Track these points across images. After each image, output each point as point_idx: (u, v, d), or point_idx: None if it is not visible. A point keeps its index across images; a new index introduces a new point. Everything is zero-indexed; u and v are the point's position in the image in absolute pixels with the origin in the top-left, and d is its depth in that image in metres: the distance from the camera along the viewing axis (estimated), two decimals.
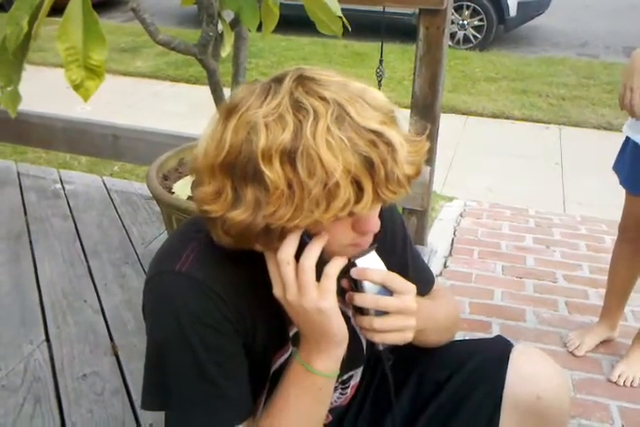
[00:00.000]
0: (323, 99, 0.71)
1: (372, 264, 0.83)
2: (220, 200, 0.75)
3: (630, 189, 1.71)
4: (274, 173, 0.69)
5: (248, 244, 0.78)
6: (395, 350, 0.94)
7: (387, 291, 0.82)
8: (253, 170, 0.71)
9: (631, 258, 1.83)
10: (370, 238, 0.83)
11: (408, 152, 0.74)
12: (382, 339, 0.83)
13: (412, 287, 0.84)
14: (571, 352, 1.90)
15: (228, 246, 0.80)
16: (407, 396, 1.07)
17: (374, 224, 0.79)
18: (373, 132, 0.70)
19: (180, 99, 5.00)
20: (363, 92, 0.74)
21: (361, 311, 0.83)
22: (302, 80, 0.73)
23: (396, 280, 0.83)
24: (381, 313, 0.82)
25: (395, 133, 0.72)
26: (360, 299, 0.81)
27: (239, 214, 0.73)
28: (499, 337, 1.10)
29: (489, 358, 1.03)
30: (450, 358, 1.07)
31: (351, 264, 0.82)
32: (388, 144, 0.71)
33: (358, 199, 0.71)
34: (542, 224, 2.81)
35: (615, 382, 1.77)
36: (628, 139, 1.67)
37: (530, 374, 0.99)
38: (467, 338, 1.94)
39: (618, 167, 1.74)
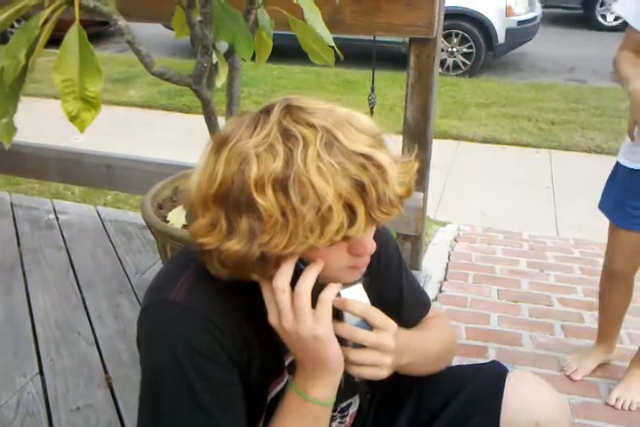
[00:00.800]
0: (311, 126, 0.72)
1: (355, 296, 0.83)
2: (215, 232, 0.75)
3: (616, 221, 1.71)
4: (267, 201, 0.70)
5: (244, 274, 0.78)
6: (391, 375, 0.94)
7: (367, 325, 0.83)
8: (247, 200, 0.72)
9: (622, 291, 1.82)
10: (367, 260, 0.83)
11: (398, 173, 0.75)
12: (357, 372, 0.83)
13: (393, 325, 0.84)
14: (568, 376, 1.89)
15: (224, 278, 0.80)
16: (404, 422, 1.06)
17: (370, 246, 0.80)
18: (363, 155, 0.72)
19: (173, 128, 5.03)
20: (349, 116, 0.76)
21: (341, 341, 0.82)
22: (290, 109, 0.75)
23: (376, 316, 0.83)
24: (359, 346, 0.82)
25: (384, 155, 0.73)
26: (339, 328, 0.81)
27: (234, 245, 0.74)
28: (494, 362, 1.09)
29: (484, 385, 1.02)
30: (446, 384, 1.06)
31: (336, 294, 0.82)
32: (378, 166, 0.72)
33: (352, 223, 0.72)
34: (536, 248, 2.82)
35: (613, 406, 1.76)
36: (616, 170, 1.70)
37: (527, 401, 0.98)
38: (462, 364, 1.93)
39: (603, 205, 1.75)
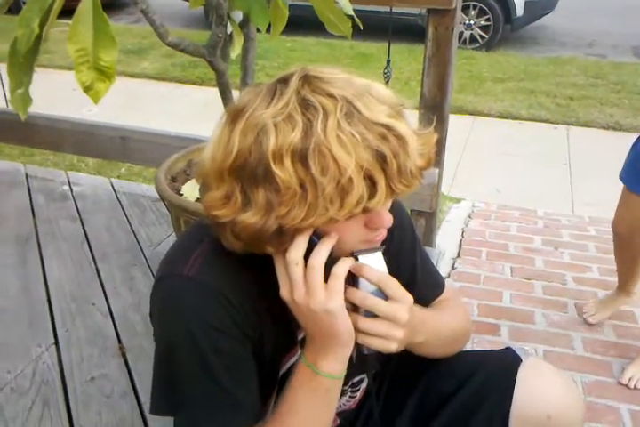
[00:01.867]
0: (330, 96, 0.70)
1: (373, 263, 0.82)
2: (230, 204, 0.74)
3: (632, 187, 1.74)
4: (285, 173, 0.69)
5: (260, 247, 0.77)
6: (402, 355, 0.93)
7: (382, 295, 0.81)
8: (264, 171, 0.70)
9: (633, 247, 1.89)
10: (383, 234, 0.82)
11: (418, 144, 0.74)
12: (365, 341, 0.82)
13: (409, 298, 0.82)
14: (585, 319, 2.01)
15: (238, 251, 0.79)
16: (413, 404, 1.06)
17: (387, 219, 0.79)
18: (383, 125, 0.70)
19: (187, 100, 5.00)
20: (368, 86, 0.74)
21: (353, 308, 0.81)
22: (308, 79, 0.73)
23: (392, 285, 0.81)
24: (371, 315, 0.81)
25: (404, 126, 0.72)
26: (350, 293, 0.80)
27: (250, 217, 0.72)
28: (508, 350, 1.08)
29: (497, 373, 1.01)
30: (457, 369, 1.05)
31: (354, 258, 0.81)
32: (399, 137, 0.71)
33: (372, 194, 0.71)
34: (551, 225, 2.79)
35: (626, 385, 1.76)
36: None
37: (540, 393, 0.97)
38: (475, 342, 1.93)
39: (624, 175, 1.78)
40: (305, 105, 0.70)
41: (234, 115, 0.75)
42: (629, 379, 1.76)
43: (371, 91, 0.73)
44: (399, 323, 0.81)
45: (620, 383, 1.77)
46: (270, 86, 0.75)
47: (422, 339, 0.90)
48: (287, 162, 0.69)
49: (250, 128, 0.72)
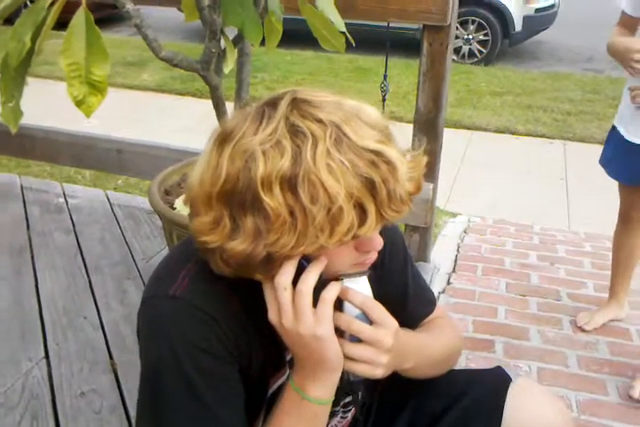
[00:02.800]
0: (319, 121, 0.70)
1: (358, 287, 0.81)
2: (218, 230, 0.73)
3: (628, 181, 1.85)
4: (274, 200, 0.68)
5: (248, 273, 0.77)
6: (392, 376, 0.92)
7: (367, 320, 0.80)
8: (252, 198, 0.70)
9: (633, 239, 1.97)
10: (373, 256, 0.81)
11: (407, 168, 0.73)
12: (350, 367, 0.81)
13: (394, 323, 0.82)
14: (580, 327, 2.04)
15: (227, 275, 0.78)
16: (402, 424, 1.05)
17: (377, 243, 0.78)
18: (372, 151, 0.70)
19: (186, 112, 5.01)
20: (358, 110, 0.74)
21: (338, 333, 0.80)
22: (297, 103, 0.72)
23: (376, 310, 0.80)
24: (356, 340, 0.80)
25: (393, 151, 0.71)
26: (336, 318, 0.79)
27: (238, 244, 0.72)
28: (498, 369, 1.06)
29: (486, 393, 1.00)
30: (446, 388, 1.04)
31: (340, 281, 0.80)
32: (388, 163, 0.70)
33: (362, 222, 0.70)
34: (547, 241, 2.79)
35: (638, 400, 1.74)
36: (613, 130, 1.84)
37: (530, 414, 0.95)
38: (469, 358, 1.92)
39: (603, 161, 1.91)
40: (294, 131, 0.70)
41: (222, 138, 0.74)
42: None
43: (360, 114, 0.73)
44: (383, 348, 0.80)
45: (631, 398, 1.74)
46: (258, 109, 0.74)
47: (411, 364, 0.89)
48: (276, 189, 0.68)
49: (238, 154, 0.71)
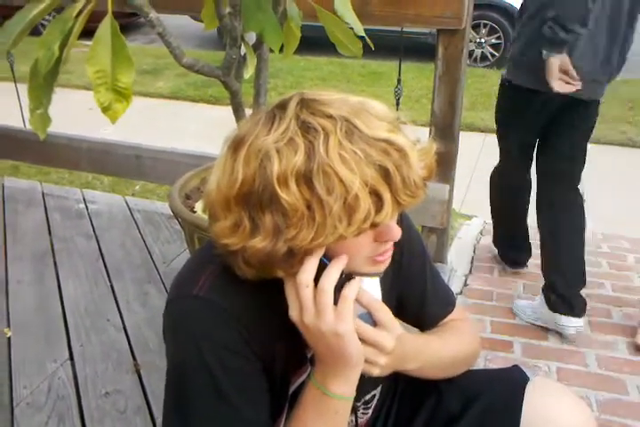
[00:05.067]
0: (329, 116, 0.72)
1: (367, 287, 0.83)
2: (239, 232, 0.75)
3: None
4: (291, 196, 0.70)
5: (270, 271, 0.78)
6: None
7: (372, 320, 0.82)
8: (270, 196, 0.71)
9: None
10: (390, 249, 0.83)
11: (418, 155, 0.75)
12: None
13: (396, 326, 0.83)
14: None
15: (250, 278, 0.80)
16: (420, 423, 1.06)
17: (396, 232, 0.79)
18: (383, 140, 0.72)
19: (201, 119, 5.06)
20: (364, 104, 0.76)
21: None
22: (305, 102, 0.74)
23: (382, 312, 0.82)
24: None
25: (403, 139, 0.74)
26: None
27: (259, 242, 0.73)
28: (515, 368, 1.07)
29: (503, 393, 1.00)
30: (464, 388, 1.05)
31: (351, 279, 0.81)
32: (400, 150, 0.72)
33: (379, 209, 0.72)
34: None
35: None
36: None
37: (550, 414, 0.96)
38: (488, 359, 1.92)
39: None
40: (305, 128, 0.72)
41: (235, 144, 0.76)
42: None
43: (367, 108, 0.75)
44: (384, 351, 0.82)
45: None
46: (269, 113, 0.76)
47: (415, 366, 0.91)
48: (292, 185, 0.70)
49: (253, 155, 0.73)
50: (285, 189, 0.70)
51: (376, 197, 0.71)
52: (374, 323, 0.82)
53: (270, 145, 0.71)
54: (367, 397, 1.03)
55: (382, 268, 0.84)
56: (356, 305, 0.81)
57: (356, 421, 1.01)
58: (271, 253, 0.74)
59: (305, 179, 0.70)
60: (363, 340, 0.81)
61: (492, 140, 4.85)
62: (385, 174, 0.71)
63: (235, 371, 0.81)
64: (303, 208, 0.70)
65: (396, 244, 0.83)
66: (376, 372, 0.84)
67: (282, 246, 0.73)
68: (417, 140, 0.78)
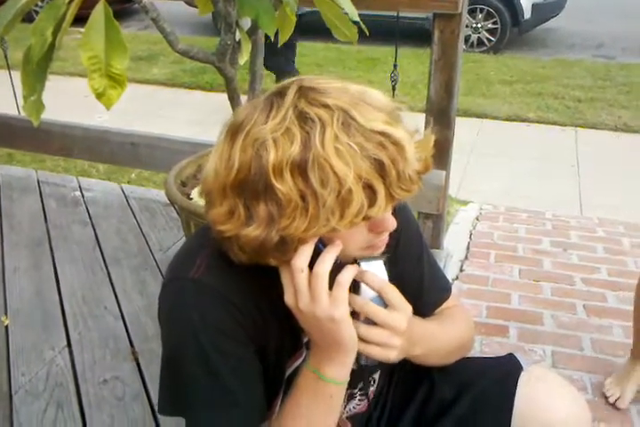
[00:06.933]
0: (326, 106, 0.72)
1: (375, 270, 0.83)
2: (234, 219, 0.75)
3: None
4: (286, 186, 0.70)
5: (264, 259, 0.78)
6: (404, 363, 0.93)
7: (382, 303, 0.82)
8: (264, 186, 0.71)
9: None
10: (386, 239, 0.83)
11: (416, 148, 0.75)
12: (364, 349, 0.82)
13: (408, 307, 0.83)
14: (613, 404, 1.70)
15: (244, 262, 0.80)
16: (413, 411, 1.07)
17: (390, 223, 0.79)
18: (380, 133, 0.71)
19: (196, 105, 5.04)
20: (363, 94, 0.75)
21: (352, 315, 0.82)
22: (303, 91, 0.74)
23: (392, 294, 0.82)
24: (370, 322, 0.82)
25: (401, 132, 0.73)
26: (351, 300, 0.80)
27: (252, 231, 0.74)
28: (509, 356, 1.07)
29: (496, 382, 1.01)
30: (458, 376, 1.05)
31: (356, 265, 0.82)
32: (396, 144, 0.72)
33: (372, 203, 0.72)
34: (559, 227, 2.79)
35: None
36: None
37: (544, 403, 0.96)
38: (484, 344, 1.94)
39: None
40: (302, 118, 0.71)
41: (233, 130, 0.76)
42: None
43: (366, 98, 0.74)
44: (398, 331, 0.82)
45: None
46: (267, 100, 0.76)
47: (419, 352, 0.91)
48: (287, 175, 0.70)
49: (249, 144, 0.73)
50: (280, 179, 0.70)
51: (370, 190, 0.71)
52: (385, 305, 0.82)
53: (267, 134, 0.71)
54: (364, 384, 1.03)
55: (380, 249, 0.84)
56: (366, 289, 0.81)
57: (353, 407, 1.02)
58: (264, 242, 0.74)
59: (300, 170, 0.70)
60: (376, 323, 0.81)
61: (489, 125, 4.89)
62: (380, 168, 0.71)
63: (228, 353, 0.82)
64: (297, 199, 0.70)
65: (392, 232, 0.83)
66: (393, 355, 0.83)
67: (275, 235, 0.73)
68: (416, 130, 0.77)
